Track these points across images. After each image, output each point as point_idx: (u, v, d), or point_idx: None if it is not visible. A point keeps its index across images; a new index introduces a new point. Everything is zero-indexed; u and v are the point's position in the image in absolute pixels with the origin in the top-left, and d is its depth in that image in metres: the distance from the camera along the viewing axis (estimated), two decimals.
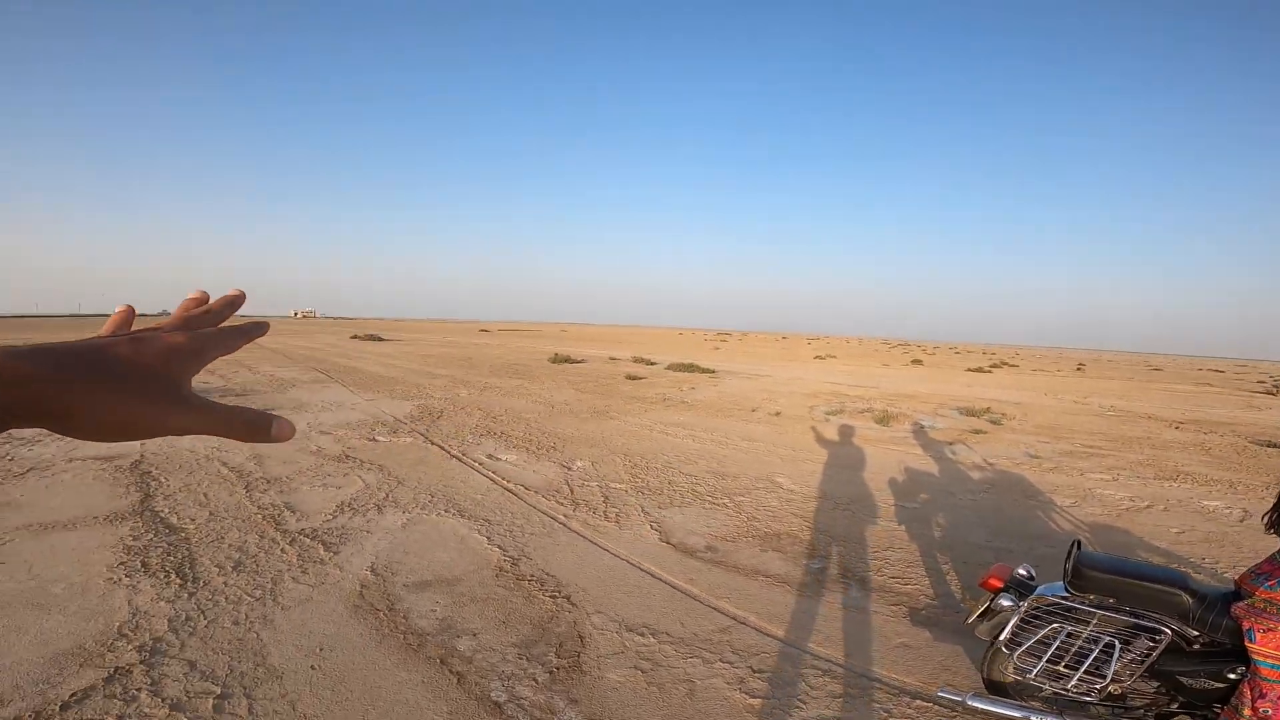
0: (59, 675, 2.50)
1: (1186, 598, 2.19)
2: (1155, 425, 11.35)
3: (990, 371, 27.46)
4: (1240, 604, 2.13)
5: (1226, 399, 18.62)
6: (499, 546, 4.11)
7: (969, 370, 27.56)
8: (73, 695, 2.39)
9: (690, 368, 18.31)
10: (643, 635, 3.07)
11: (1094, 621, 2.24)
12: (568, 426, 8.56)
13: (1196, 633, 2.19)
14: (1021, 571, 2.46)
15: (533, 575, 3.70)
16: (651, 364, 20.44)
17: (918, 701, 2.66)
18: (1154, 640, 2.20)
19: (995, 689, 2.48)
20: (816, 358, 31.51)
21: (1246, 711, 2.05)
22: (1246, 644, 2.06)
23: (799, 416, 10.31)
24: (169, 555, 3.69)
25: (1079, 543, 2.39)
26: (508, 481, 5.63)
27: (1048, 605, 2.29)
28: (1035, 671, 2.27)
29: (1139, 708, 2.33)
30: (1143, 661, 2.21)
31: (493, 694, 2.55)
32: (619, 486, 5.66)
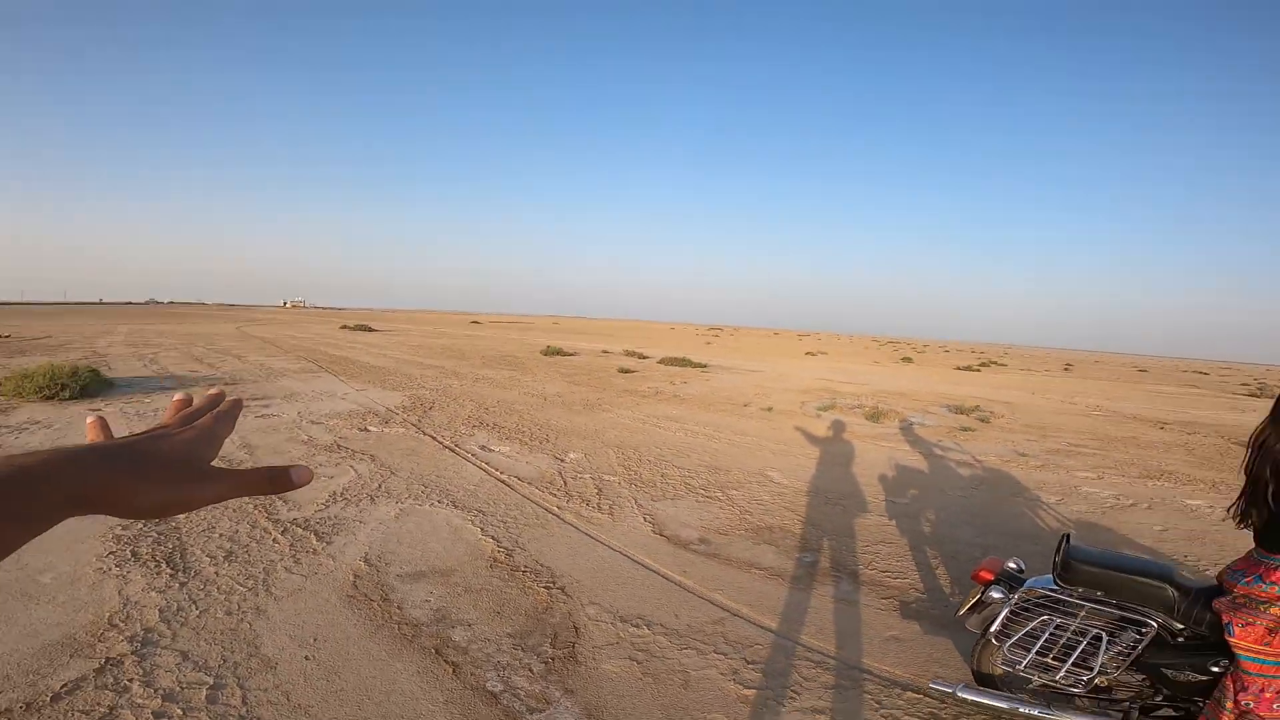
0: (49, 666, 2.47)
1: (1172, 591, 2.22)
2: (1140, 425, 11.52)
3: (979, 370, 27.73)
4: (1221, 599, 2.17)
5: (1211, 400, 18.93)
6: (493, 537, 4.11)
7: (958, 369, 27.81)
8: (63, 686, 2.36)
9: (682, 362, 18.33)
10: (637, 626, 3.09)
11: (1082, 614, 2.27)
12: (560, 419, 8.56)
13: (1181, 626, 2.22)
14: (1012, 565, 2.48)
15: (527, 566, 3.71)
16: (644, 358, 20.45)
17: (909, 693, 2.69)
18: (1140, 633, 2.23)
19: (984, 681, 2.50)
20: (808, 354, 31.64)
21: (1229, 704, 2.09)
22: (1227, 638, 2.10)
23: (790, 412, 10.36)
24: (159, 545, 3.66)
25: (1069, 536, 2.42)
26: (500, 473, 5.63)
27: (1037, 598, 2.32)
28: (1024, 663, 2.30)
29: (1124, 700, 2.36)
30: (1129, 654, 2.24)
31: (488, 684, 2.55)
32: (612, 479, 5.67)
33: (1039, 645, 2.29)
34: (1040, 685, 2.41)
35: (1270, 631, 2.08)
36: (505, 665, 2.70)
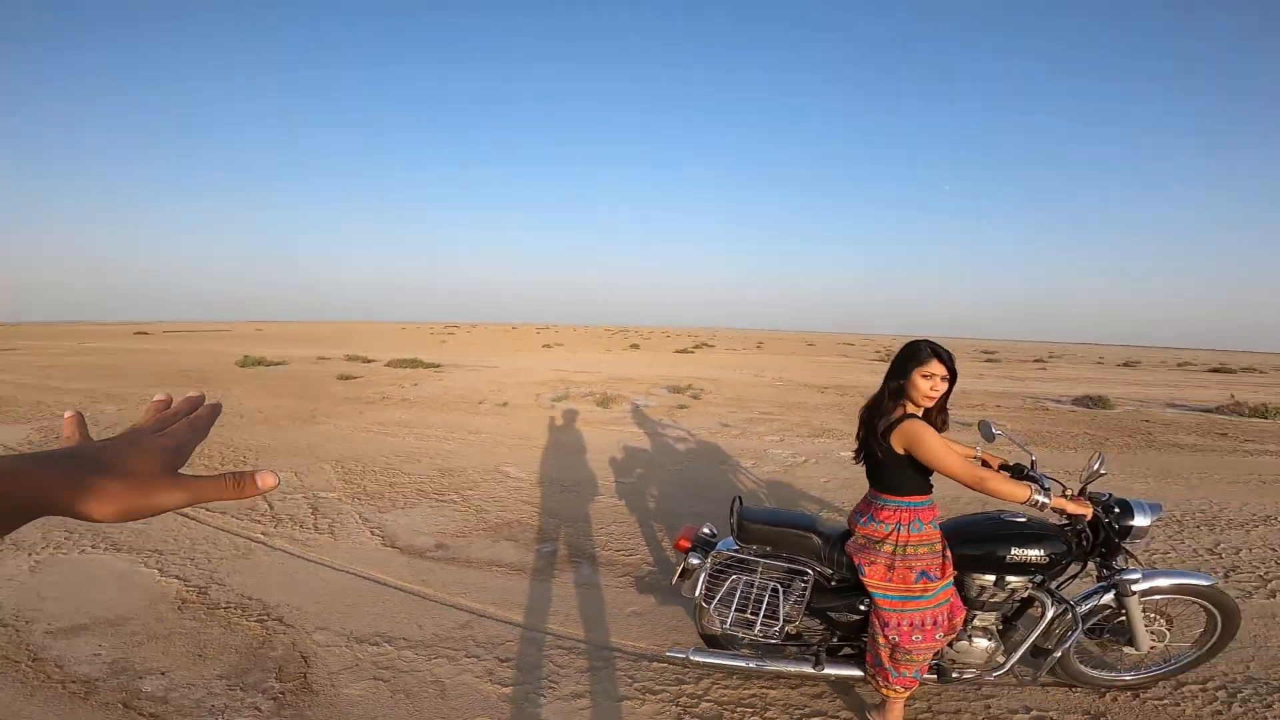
0: None
1: (817, 539, 2.42)
2: (808, 391, 14.13)
3: (694, 353, 31.07)
4: (850, 541, 2.36)
5: (854, 366, 24.21)
6: (178, 577, 3.52)
7: (677, 352, 30.96)
8: None
9: (413, 363, 17.37)
10: (377, 645, 2.94)
11: (760, 569, 2.45)
12: (263, 437, 7.52)
13: (831, 571, 2.42)
14: (705, 530, 2.64)
15: (229, 602, 3.27)
16: (369, 361, 18.86)
17: (655, 664, 2.83)
18: (805, 581, 2.41)
19: (711, 642, 2.65)
20: (545, 347, 32.44)
21: (880, 639, 2.24)
22: (861, 578, 2.26)
23: (526, 405, 10.57)
24: None
25: (739, 499, 2.59)
26: None
27: (725, 559, 2.49)
28: (730, 621, 2.42)
29: (814, 644, 2.54)
30: (802, 601, 2.42)
31: None
32: (330, 495, 5.21)
33: (736, 602, 2.42)
34: (751, 640, 2.53)
35: (889, 568, 2.22)
36: (224, 708, 2.40)
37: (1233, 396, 14.30)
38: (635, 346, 35.12)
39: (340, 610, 3.27)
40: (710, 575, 2.50)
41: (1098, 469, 2.37)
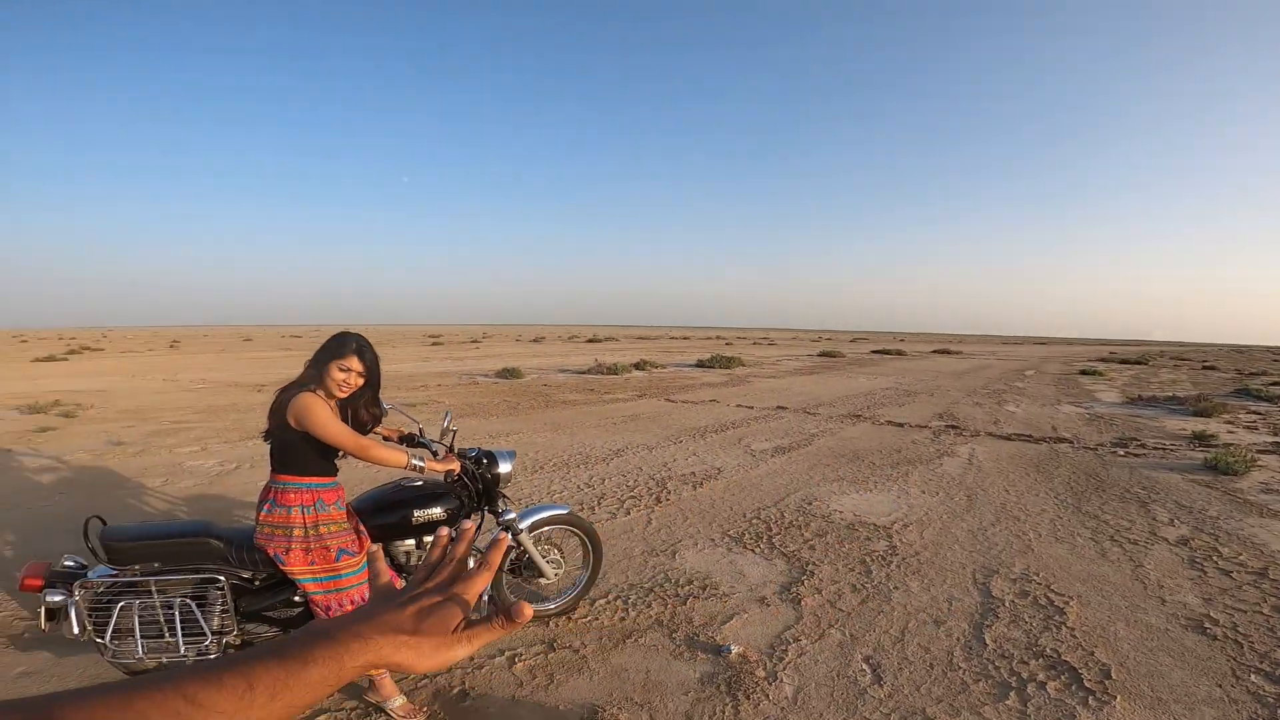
0: None
1: (216, 542, 2.25)
2: (241, 392, 12.53)
3: (66, 359, 23.39)
4: (258, 534, 2.24)
5: (299, 360, 22.48)
6: None
7: (37, 360, 22.58)
8: None
9: None
10: None
11: (155, 588, 2.18)
12: None
13: (249, 572, 2.28)
14: (69, 562, 2.24)
15: None
16: None
17: None
18: (219, 588, 2.22)
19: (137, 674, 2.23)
20: None
21: None
22: (282, 568, 2.20)
23: None
24: None
25: (94, 517, 2.33)
26: None
27: (103, 588, 2.15)
28: (143, 650, 2.13)
29: None
30: (229, 609, 2.23)
31: None
32: None
33: (140, 630, 2.14)
34: (189, 661, 2.23)
35: (306, 551, 2.18)
36: None
37: (597, 360, 19.84)
38: None
39: None
40: (90, 609, 2.14)
41: (448, 425, 2.81)
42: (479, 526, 2.92)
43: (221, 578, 2.23)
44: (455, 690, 2.61)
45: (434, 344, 34.51)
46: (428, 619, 0.49)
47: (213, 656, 2.23)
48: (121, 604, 2.15)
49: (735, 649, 2.92)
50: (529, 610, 0.51)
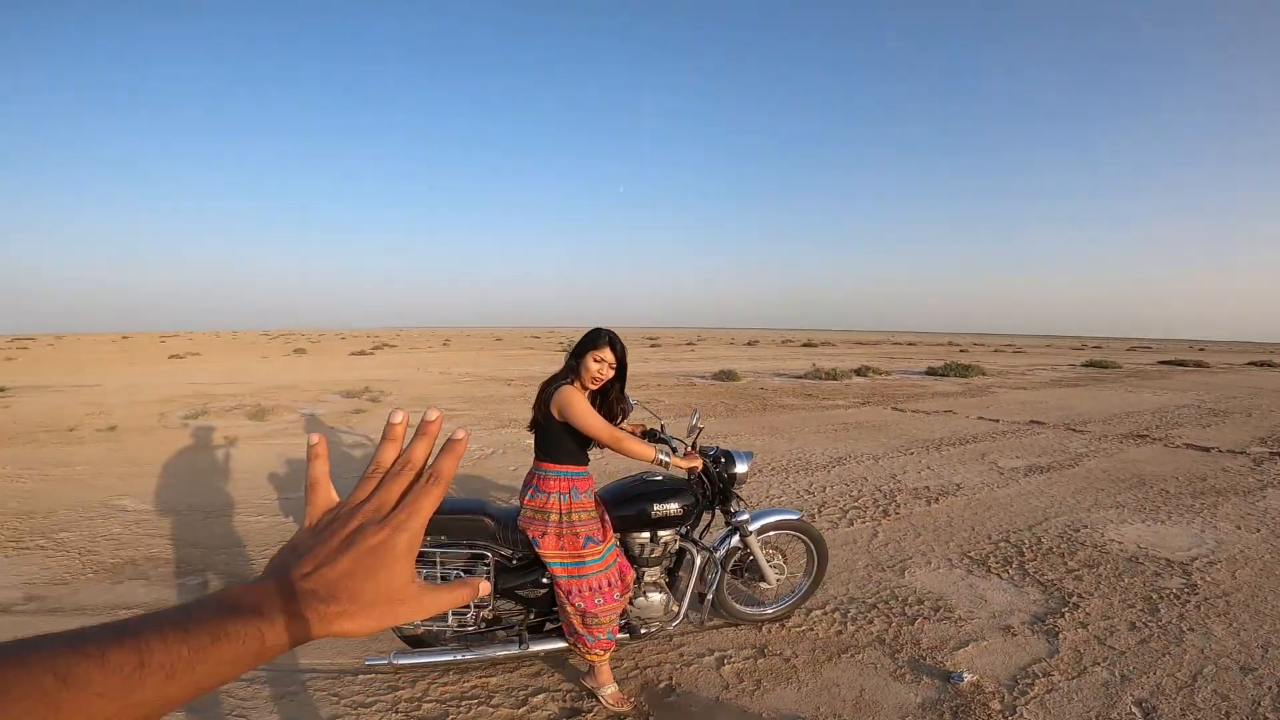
0: None
1: (489, 521, 2.43)
2: (496, 385, 14.29)
3: (372, 354, 28.84)
4: (520, 516, 2.42)
5: (541, 358, 25.25)
6: None
7: (353, 354, 28.29)
8: None
9: None
10: None
11: (439, 560, 2.39)
12: None
13: (510, 550, 2.44)
14: None
15: None
16: None
17: (360, 676, 2.64)
18: (486, 564, 2.40)
19: (412, 643, 2.54)
20: (173, 357, 26.27)
21: (569, 608, 2.31)
22: (538, 551, 2.34)
23: (145, 428, 8.42)
24: None
25: None
26: None
27: None
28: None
29: (516, 625, 2.54)
30: (491, 584, 2.46)
31: None
32: None
33: None
34: (454, 632, 2.48)
35: (559, 536, 2.31)
36: None
37: (815, 365, 19.05)
38: (300, 351, 30.89)
39: None
40: None
41: (695, 424, 2.81)
42: (705, 522, 2.64)
43: (489, 554, 2.42)
44: (661, 685, 2.60)
45: (652, 345, 36.29)
46: (363, 560, 0.41)
47: (472, 629, 2.48)
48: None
49: (969, 677, 2.57)
50: (485, 586, 0.48)
